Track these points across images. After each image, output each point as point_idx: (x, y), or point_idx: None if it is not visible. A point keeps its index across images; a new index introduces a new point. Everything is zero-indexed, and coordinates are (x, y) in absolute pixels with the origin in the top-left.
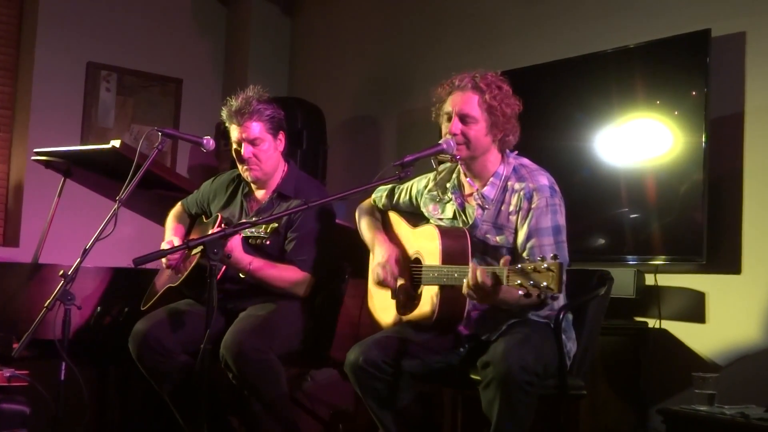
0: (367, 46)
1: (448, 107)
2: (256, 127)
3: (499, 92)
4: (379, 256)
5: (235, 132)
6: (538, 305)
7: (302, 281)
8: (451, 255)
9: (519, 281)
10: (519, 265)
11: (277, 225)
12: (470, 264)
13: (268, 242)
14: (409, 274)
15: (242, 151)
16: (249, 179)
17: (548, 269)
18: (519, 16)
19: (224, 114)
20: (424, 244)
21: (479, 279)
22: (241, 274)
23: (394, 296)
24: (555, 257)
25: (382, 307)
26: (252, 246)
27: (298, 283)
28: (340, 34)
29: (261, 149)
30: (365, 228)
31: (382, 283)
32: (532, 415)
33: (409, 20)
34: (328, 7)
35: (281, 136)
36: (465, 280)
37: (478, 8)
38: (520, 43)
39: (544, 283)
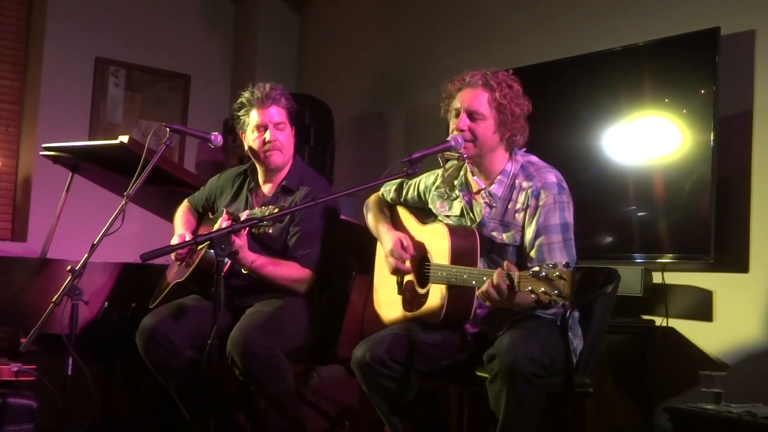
0: (374, 43)
1: (457, 103)
2: (281, 113)
3: (509, 91)
4: (386, 246)
5: (257, 117)
6: (546, 308)
7: (303, 278)
8: (460, 255)
9: (530, 287)
10: (530, 272)
11: (276, 210)
12: (483, 269)
13: (270, 230)
14: (416, 271)
15: (267, 134)
16: (270, 167)
17: (560, 277)
18: (527, 13)
19: (245, 98)
20: (433, 242)
21: (496, 282)
22: (243, 270)
23: (400, 292)
24: (567, 265)
25: (388, 302)
26: (255, 236)
27: (299, 280)
28: (348, 31)
29: (284, 134)
30: (372, 222)
31: (396, 272)
32: (539, 407)
33: (416, 17)
34: (336, 4)
35: (293, 130)
36: (481, 288)
37: (486, 5)
38: (528, 40)
39: (556, 292)
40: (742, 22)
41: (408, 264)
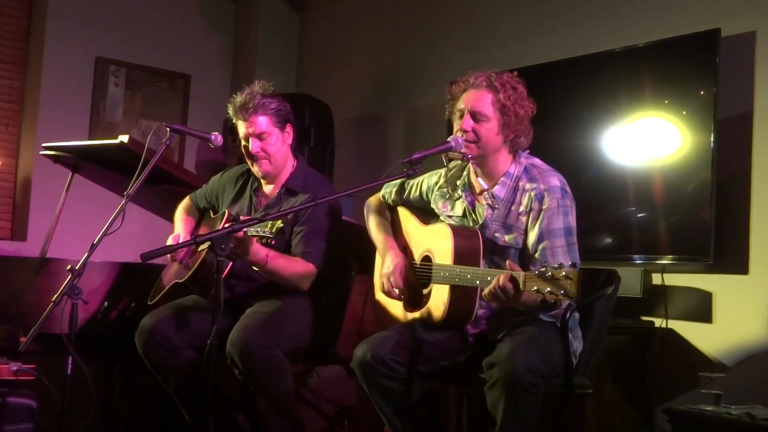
0: (374, 43)
1: (461, 104)
2: (263, 121)
3: (513, 93)
4: (386, 265)
5: (242, 128)
6: (551, 308)
7: (309, 273)
8: (463, 255)
9: (536, 287)
10: (536, 271)
11: (282, 225)
12: (487, 269)
13: (273, 242)
14: (418, 270)
15: (250, 146)
16: (259, 175)
17: (567, 277)
18: (527, 14)
19: (230, 111)
20: (436, 242)
21: (502, 284)
22: (254, 267)
23: (402, 292)
24: (573, 265)
25: (388, 302)
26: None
27: (305, 275)
28: (348, 31)
29: (269, 143)
30: (375, 229)
31: (387, 294)
32: (537, 415)
33: (416, 17)
34: (336, 4)
35: (289, 128)
36: (488, 287)
37: (486, 6)
38: (528, 41)
39: (562, 291)
40: (742, 23)
41: (398, 292)
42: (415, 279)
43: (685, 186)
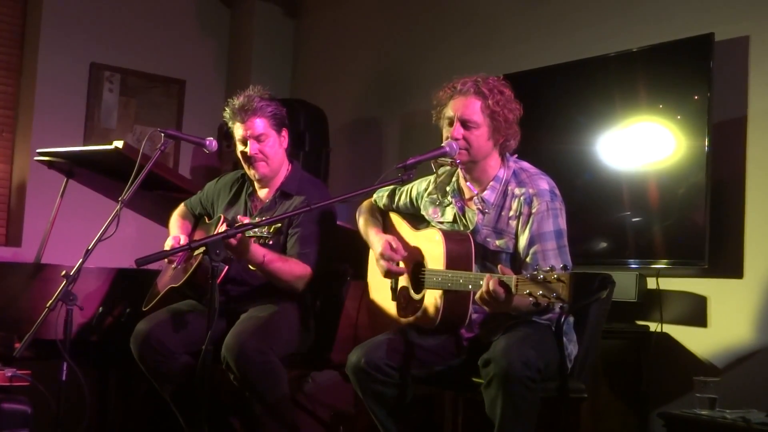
0: (369, 47)
1: (449, 112)
2: (260, 124)
3: (501, 97)
4: (375, 249)
5: (239, 130)
6: (544, 312)
7: (304, 275)
8: (455, 259)
9: (528, 290)
10: (528, 275)
11: (280, 225)
12: (479, 273)
13: (271, 242)
14: (411, 276)
15: (248, 148)
16: (256, 177)
17: (559, 280)
18: (522, 19)
19: (227, 114)
20: (428, 247)
21: (492, 288)
22: (251, 267)
23: (394, 298)
24: (564, 268)
25: (382, 308)
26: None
27: (301, 276)
28: (342, 36)
29: (266, 145)
30: (363, 227)
31: (389, 275)
32: (536, 412)
33: (411, 22)
34: (331, 8)
35: (284, 133)
36: (479, 291)
37: (481, 11)
38: (523, 46)
39: (554, 294)
40: (736, 28)
41: (402, 265)
42: (409, 285)
43: (680, 190)
